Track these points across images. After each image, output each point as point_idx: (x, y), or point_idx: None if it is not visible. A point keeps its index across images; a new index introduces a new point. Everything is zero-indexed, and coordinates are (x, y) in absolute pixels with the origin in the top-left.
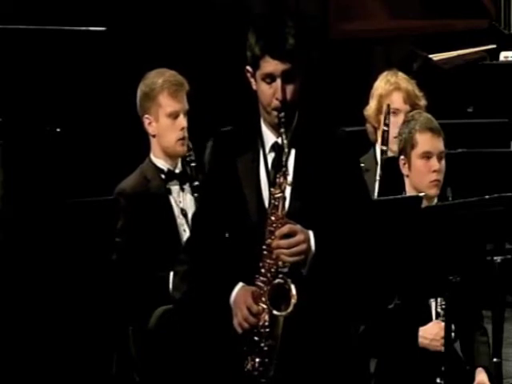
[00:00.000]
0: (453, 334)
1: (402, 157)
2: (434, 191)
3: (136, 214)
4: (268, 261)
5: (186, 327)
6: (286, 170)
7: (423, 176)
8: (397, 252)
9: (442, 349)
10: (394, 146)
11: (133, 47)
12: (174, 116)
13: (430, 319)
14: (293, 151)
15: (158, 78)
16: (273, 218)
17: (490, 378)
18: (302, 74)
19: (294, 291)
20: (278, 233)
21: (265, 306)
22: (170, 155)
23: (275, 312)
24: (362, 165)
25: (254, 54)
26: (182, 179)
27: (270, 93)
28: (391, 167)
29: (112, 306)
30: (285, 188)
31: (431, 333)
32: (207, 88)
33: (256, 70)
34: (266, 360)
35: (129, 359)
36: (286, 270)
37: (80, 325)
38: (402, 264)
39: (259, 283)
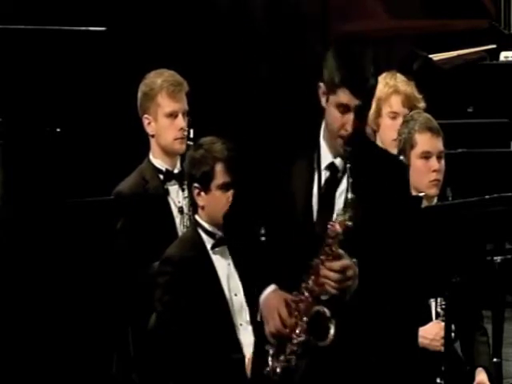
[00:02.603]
0: (453, 334)
1: (401, 157)
2: (433, 191)
3: (134, 215)
4: (311, 283)
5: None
6: (350, 210)
7: (423, 176)
8: (397, 252)
9: (442, 349)
10: (393, 149)
11: (133, 47)
12: (173, 116)
13: (430, 319)
14: (348, 168)
15: (157, 78)
16: (326, 249)
17: (490, 378)
18: (370, 108)
19: (332, 330)
20: (330, 265)
21: (299, 322)
22: (168, 154)
23: (313, 340)
24: None
25: (333, 79)
26: (181, 179)
27: (340, 121)
28: None
29: (112, 306)
30: (345, 227)
31: (431, 333)
32: (207, 88)
33: (331, 93)
34: (287, 374)
35: (128, 359)
36: (326, 297)
37: (80, 325)
38: (401, 264)
39: (296, 298)
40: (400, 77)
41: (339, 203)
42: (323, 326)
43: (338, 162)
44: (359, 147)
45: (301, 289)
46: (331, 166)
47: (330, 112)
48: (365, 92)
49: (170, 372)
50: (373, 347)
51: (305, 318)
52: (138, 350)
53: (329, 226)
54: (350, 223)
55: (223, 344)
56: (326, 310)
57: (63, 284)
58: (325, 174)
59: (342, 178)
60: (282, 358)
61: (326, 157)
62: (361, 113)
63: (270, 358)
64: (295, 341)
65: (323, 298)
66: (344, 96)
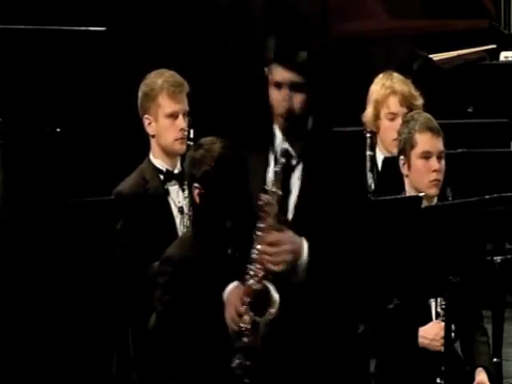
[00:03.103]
0: (453, 334)
1: (401, 157)
2: (433, 191)
3: (134, 215)
4: (257, 265)
5: (172, 335)
6: (279, 178)
7: (423, 176)
8: (397, 252)
9: (442, 349)
10: (394, 149)
11: (133, 47)
12: (174, 117)
13: (430, 319)
14: (303, 155)
15: (158, 78)
16: (262, 225)
17: (490, 378)
18: (313, 86)
19: (275, 298)
20: (264, 240)
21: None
22: (168, 154)
23: (253, 316)
24: None
25: (268, 58)
26: (181, 179)
27: (277, 99)
28: (391, 167)
29: (112, 306)
30: (276, 197)
31: (431, 333)
32: (207, 88)
33: (269, 73)
34: (248, 361)
35: (128, 359)
36: (271, 276)
37: (80, 325)
38: (402, 264)
39: (248, 284)
40: (396, 76)
41: (295, 190)
42: (267, 301)
43: (293, 148)
44: (300, 124)
45: (250, 274)
46: (285, 153)
47: (270, 93)
48: (296, 65)
49: (170, 372)
50: (323, 329)
51: (247, 299)
52: (137, 350)
53: (259, 199)
54: (279, 192)
55: (223, 344)
56: (263, 285)
57: (63, 284)
58: (279, 161)
59: (297, 164)
60: (242, 347)
61: (280, 142)
62: (297, 88)
63: (235, 354)
64: (243, 324)
65: (269, 276)
66: (277, 73)
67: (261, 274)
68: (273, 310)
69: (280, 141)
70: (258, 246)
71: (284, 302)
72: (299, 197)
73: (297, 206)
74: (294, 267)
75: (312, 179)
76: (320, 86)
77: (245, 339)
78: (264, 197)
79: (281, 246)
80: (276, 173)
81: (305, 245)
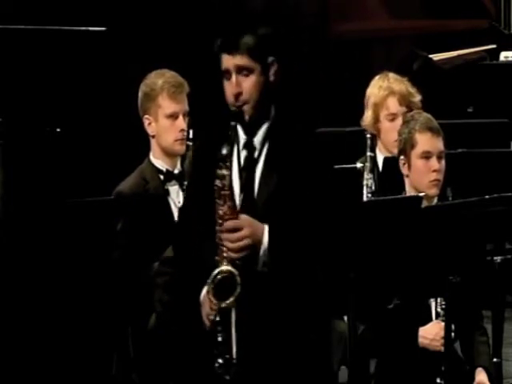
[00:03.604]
0: (453, 334)
1: (401, 157)
2: (433, 191)
3: (134, 215)
4: (223, 254)
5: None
6: (229, 162)
7: (423, 176)
8: (397, 252)
9: (442, 349)
10: (395, 150)
11: (133, 47)
12: (174, 117)
13: (430, 319)
14: (266, 146)
15: (158, 78)
16: (221, 213)
17: (490, 378)
18: (264, 71)
19: (238, 281)
20: (223, 227)
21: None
22: (168, 155)
23: (215, 301)
24: (360, 165)
25: (216, 51)
26: (181, 179)
27: (227, 89)
28: (391, 167)
29: (112, 307)
30: (229, 181)
31: (431, 333)
32: (207, 89)
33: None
34: (226, 356)
35: (128, 360)
36: (238, 262)
37: (80, 325)
38: (402, 264)
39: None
40: (392, 76)
41: (258, 178)
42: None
43: (255, 139)
44: (252, 110)
45: (216, 264)
46: (247, 145)
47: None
48: (240, 49)
49: (170, 372)
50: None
51: (211, 285)
52: (137, 351)
53: (214, 185)
54: (227, 173)
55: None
56: (222, 269)
57: (63, 284)
58: (243, 154)
59: (260, 155)
60: (219, 343)
61: (242, 136)
62: (245, 73)
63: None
64: (212, 316)
65: (236, 263)
66: (223, 60)
67: (225, 261)
68: (235, 293)
69: (242, 134)
70: (220, 234)
71: (250, 291)
72: (261, 181)
73: (259, 195)
74: (254, 253)
75: (274, 169)
76: (275, 71)
77: (220, 334)
78: (218, 182)
79: (238, 232)
80: (223, 156)
81: (266, 230)
